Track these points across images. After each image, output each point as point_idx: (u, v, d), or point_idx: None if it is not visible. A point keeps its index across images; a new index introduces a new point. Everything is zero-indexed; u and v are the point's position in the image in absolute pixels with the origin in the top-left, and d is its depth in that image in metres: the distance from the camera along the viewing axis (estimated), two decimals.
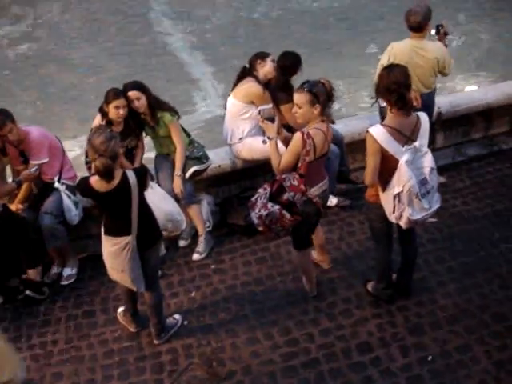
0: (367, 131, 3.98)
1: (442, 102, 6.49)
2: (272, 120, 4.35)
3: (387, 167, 3.98)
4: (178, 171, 5.33)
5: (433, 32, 5.69)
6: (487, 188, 6.17)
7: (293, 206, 4.21)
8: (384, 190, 4.09)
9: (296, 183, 4.19)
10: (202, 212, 5.65)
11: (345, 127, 6.18)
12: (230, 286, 5.16)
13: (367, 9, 12.63)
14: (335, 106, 6.48)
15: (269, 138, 4.36)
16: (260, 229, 4.34)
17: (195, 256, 5.51)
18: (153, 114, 5.24)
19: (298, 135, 4.17)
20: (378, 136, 3.91)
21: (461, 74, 9.36)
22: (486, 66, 9.69)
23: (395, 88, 3.88)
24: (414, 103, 5.43)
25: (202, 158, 5.56)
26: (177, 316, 4.86)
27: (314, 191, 4.33)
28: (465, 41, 10.71)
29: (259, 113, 4.35)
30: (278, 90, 5.57)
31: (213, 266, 5.41)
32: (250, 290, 5.09)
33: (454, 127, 6.78)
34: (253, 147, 5.68)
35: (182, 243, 5.67)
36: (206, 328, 4.77)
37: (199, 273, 5.34)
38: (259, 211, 4.25)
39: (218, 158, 5.91)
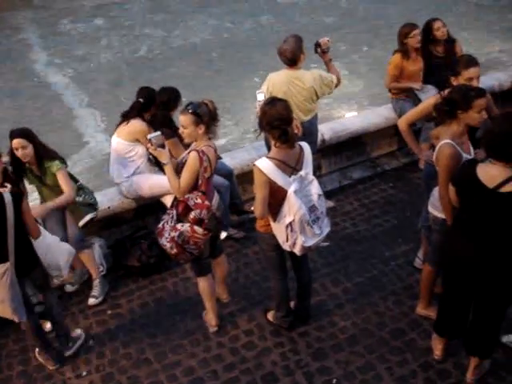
0: (254, 164, 4.02)
1: (325, 129, 6.69)
2: (163, 146, 4.34)
3: (276, 198, 4.03)
4: (51, 203, 4.96)
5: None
6: (374, 208, 6.40)
7: (202, 222, 4.26)
8: (275, 220, 4.14)
9: (200, 201, 4.26)
10: (94, 256, 5.48)
11: (232, 160, 6.23)
12: (129, 330, 5.00)
13: (249, 42, 12.91)
14: (222, 141, 6.53)
15: (164, 163, 4.34)
16: (173, 252, 4.34)
17: (91, 300, 5.32)
18: (40, 163, 4.95)
19: (194, 154, 4.25)
20: (264, 169, 3.97)
21: (341, 101, 9.70)
22: (364, 92, 10.10)
23: (278, 124, 3.95)
24: (296, 131, 5.58)
25: (96, 205, 5.36)
26: (78, 330, 4.90)
27: (213, 205, 4.41)
28: (343, 69, 11.13)
29: (149, 141, 4.30)
30: (161, 125, 5.55)
31: (109, 312, 5.23)
32: (150, 332, 4.96)
33: (338, 152, 7.00)
34: (141, 185, 5.62)
35: (68, 288, 5.45)
36: (107, 377, 4.58)
37: (95, 320, 5.15)
38: (169, 235, 4.29)
39: (107, 199, 5.78)
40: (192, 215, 4.26)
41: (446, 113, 4.10)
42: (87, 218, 5.20)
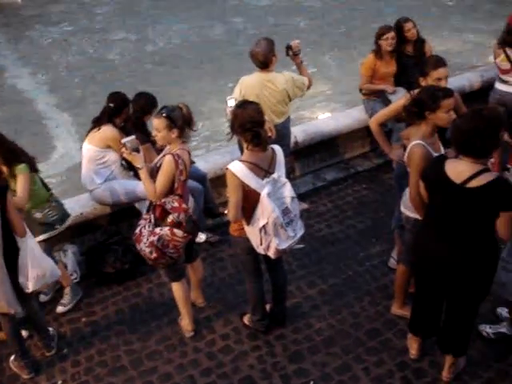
0: (227, 168, 4.02)
1: (298, 131, 6.71)
2: (137, 150, 4.31)
3: (249, 201, 4.03)
4: None
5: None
6: (348, 210, 6.43)
7: (180, 225, 4.25)
8: (249, 223, 4.13)
9: (177, 204, 4.24)
10: (66, 264, 5.42)
11: (206, 163, 6.22)
12: (104, 337, 4.95)
13: (220, 45, 12.90)
14: (194, 144, 6.48)
15: (138, 168, 4.32)
16: (153, 257, 4.30)
17: (59, 308, 5.25)
18: (10, 167, 4.61)
19: (169, 158, 4.23)
20: (237, 172, 3.96)
21: (313, 104, 9.73)
22: (336, 93, 10.15)
23: (250, 126, 3.96)
24: (269, 134, 5.57)
25: (56, 223, 5.05)
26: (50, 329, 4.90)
27: (190, 209, 4.40)
28: (316, 72, 11.17)
29: (124, 145, 4.27)
30: (135, 130, 5.51)
31: (84, 319, 5.17)
32: (125, 339, 4.91)
33: (311, 154, 7.02)
34: (113, 191, 5.57)
35: (42, 298, 5.36)
36: None
37: (70, 328, 5.09)
38: (147, 240, 4.26)
39: (79, 206, 5.72)
40: (170, 219, 4.24)
41: (414, 114, 4.15)
42: (40, 238, 4.91)
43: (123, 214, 5.86)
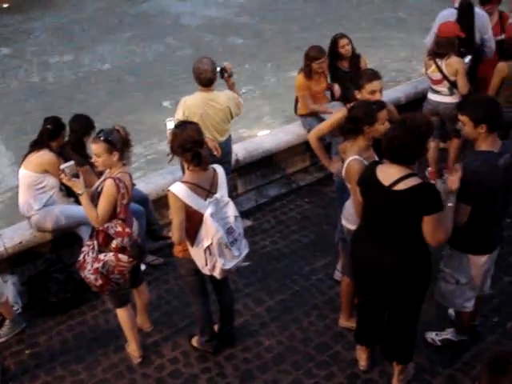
0: (168, 190, 3.98)
1: (238, 149, 6.73)
2: (77, 176, 4.23)
3: (193, 222, 4.00)
4: None
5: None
6: (292, 224, 6.46)
7: (124, 250, 4.19)
8: (193, 244, 4.10)
9: (120, 229, 4.18)
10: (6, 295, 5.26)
11: (147, 185, 6.15)
12: (49, 369, 4.80)
13: (157, 65, 12.85)
14: (134, 166, 6.41)
15: (79, 194, 4.24)
16: (98, 284, 4.22)
17: None
18: None
19: (110, 182, 4.17)
20: (179, 193, 3.93)
21: (253, 121, 9.79)
22: (275, 110, 10.23)
23: (190, 146, 3.94)
24: (215, 152, 5.65)
25: None
26: None
27: (134, 232, 4.34)
28: (254, 89, 11.26)
29: (62, 171, 4.19)
30: (75, 152, 5.43)
31: (27, 351, 5.01)
32: (72, 369, 4.78)
33: (253, 171, 7.04)
34: (53, 216, 5.45)
35: None
36: None
37: (13, 361, 4.92)
38: (92, 266, 4.17)
39: (18, 235, 5.57)
40: (114, 244, 4.17)
41: (351, 130, 4.24)
42: None
43: (64, 240, 5.73)
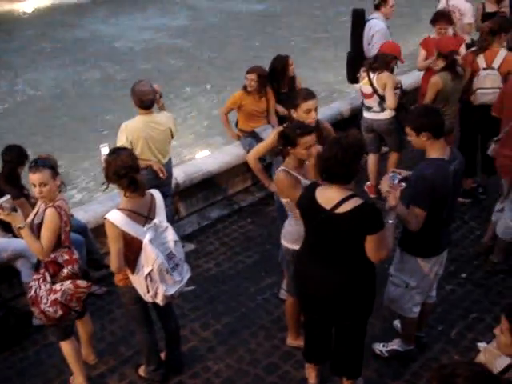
0: (105, 218, 3.91)
1: (178, 172, 6.68)
2: (15, 209, 4.11)
3: (132, 249, 3.94)
4: None
5: None
6: (235, 246, 6.44)
7: (77, 276, 4.14)
8: (133, 272, 4.03)
9: (67, 257, 4.15)
10: None
11: (86, 213, 6.03)
12: None
13: (93, 91, 12.68)
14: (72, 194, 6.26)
15: (20, 227, 4.10)
16: (58, 315, 4.13)
17: None
18: None
19: (51, 211, 4.09)
20: (116, 221, 3.87)
21: (191, 143, 9.77)
22: (213, 131, 10.22)
23: (125, 172, 3.90)
24: (161, 175, 5.70)
25: None
26: None
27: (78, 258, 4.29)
28: (192, 112, 11.24)
29: (0, 207, 4.06)
30: (7, 185, 5.28)
31: None
32: None
33: (194, 194, 7.00)
34: None
35: None
36: None
37: None
38: (48, 299, 4.08)
39: None
40: (65, 272, 4.13)
41: (281, 150, 4.40)
42: None
43: (1, 274, 5.53)
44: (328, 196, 3.68)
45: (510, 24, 6.70)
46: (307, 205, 3.81)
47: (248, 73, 6.81)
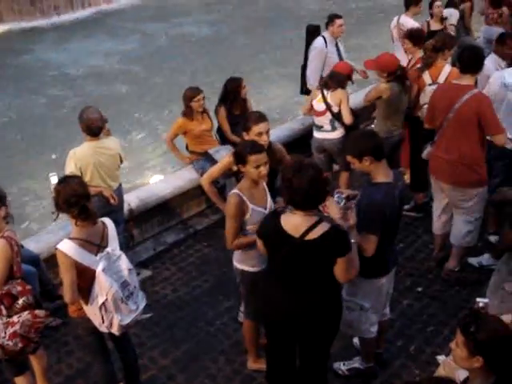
0: (56, 248, 3.84)
1: (131, 198, 6.59)
2: None
3: (85, 279, 3.87)
4: None
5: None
6: (192, 270, 6.38)
7: (32, 306, 4.07)
8: (87, 302, 3.95)
9: (21, 288, 4.08)
10: None
11: (38, 244, 5.88)
12: None
13: (43, 118, 12.47)
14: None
15: None
16: (19, 348, 4.03)
17: None
18: None
19: (1, 242, 4.05)
20: (67, 251, 3.81)
21: (144, 167, 9.68)
22: (166, 156, 10.15)
23: (75, 201, 3.84)
24: (112, 201, 5.66)
25: None
26: None
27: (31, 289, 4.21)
28: (144, 137, 11.17)
29: None
30: None
31: None
32: None
33: (148, 219, 6.91)
34: None
35: None
36: None
37: None
38: (6, 333, 3.99)
39: None
40: (20, 304, 4.04)
41: (234, 172, 4.43)
42: None
43: None
44: (295, 223, 3.64)
45: (453, 40, 6.88)
46: (273, 234, 3.75)
47: (195, 96, 6.81)
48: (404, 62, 7.25)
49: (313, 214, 3.67)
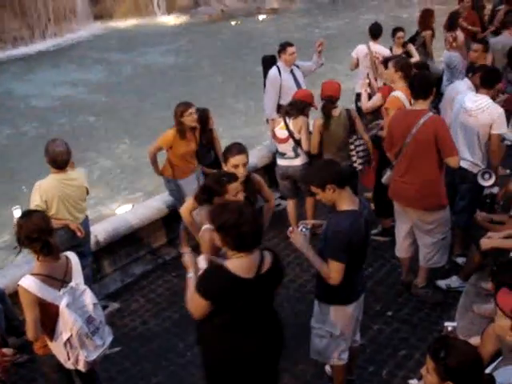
0: (18, 284, 3.76)
1: (98, 230, 6.51)
2: None
3: (49, 315, 3.80)
4: None
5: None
6: (161, 301, 6.31)
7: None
8: (52, 339, 3.88)
9: None
10: None
11: (3, 278, 5.78)
12: None
13: (10, 151, 12.33)
14: None
15: None
16: None
17: None
18: None
19: None
20: (30, 287, 3.75)
21: (111, 197, 9.61)
22: (132, 185, 10.11)
23: (37, 236, 3.80)
24: (78, 234, 5.59)
25: None
26: None
27: None
28: (111, 166, 11.09)
29: None
30: None
31: None
32: None
33: (116, 251, 6.83)
34: None
35: None
36: None
37: None
38: None
39: None
40: None
41: (204, 200, 4.32)
42: None
43: None
44: (244, 266, 3.56)
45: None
46: (227, 287, 3.54)
47: (187, 109, 6.57)
48: (363, 88, 7.59)
49: (257, 249, 3.64)
